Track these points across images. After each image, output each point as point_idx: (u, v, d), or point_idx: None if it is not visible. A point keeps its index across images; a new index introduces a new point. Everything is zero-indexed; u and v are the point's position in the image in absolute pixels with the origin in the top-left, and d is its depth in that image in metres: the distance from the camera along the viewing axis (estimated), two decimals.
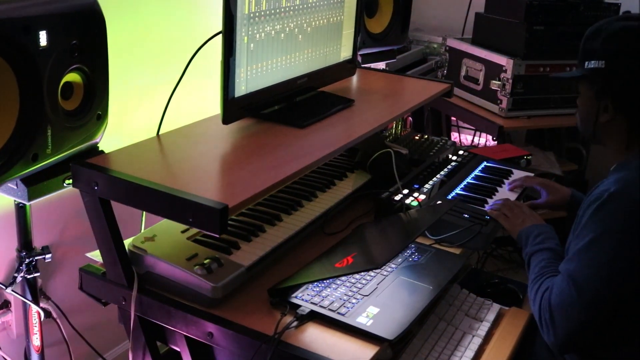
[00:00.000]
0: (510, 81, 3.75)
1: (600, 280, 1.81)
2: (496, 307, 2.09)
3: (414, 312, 1.86)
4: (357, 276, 2.00)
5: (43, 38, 1.72)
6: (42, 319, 2.26)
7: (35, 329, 2.26)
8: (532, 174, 2.89)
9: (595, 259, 1.83)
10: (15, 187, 1.90)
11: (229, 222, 1.69)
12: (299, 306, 1.85)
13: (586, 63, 2.04)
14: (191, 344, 1.94)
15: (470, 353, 1.86)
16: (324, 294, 1.90)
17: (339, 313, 1.82)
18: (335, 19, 2.57)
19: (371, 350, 1.73)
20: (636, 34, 1.97)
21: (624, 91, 1.99)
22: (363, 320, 1.80)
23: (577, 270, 1.84)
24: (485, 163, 2.99)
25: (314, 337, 1.77)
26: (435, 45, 4.64)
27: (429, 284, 2.01)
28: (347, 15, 2.65)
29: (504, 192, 2.67)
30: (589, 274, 1.82)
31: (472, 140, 4.65)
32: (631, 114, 2.00)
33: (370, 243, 2.19)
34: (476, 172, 2.88)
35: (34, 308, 2.23)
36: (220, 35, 2.00)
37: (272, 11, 2.17)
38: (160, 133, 2.17)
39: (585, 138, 2.10)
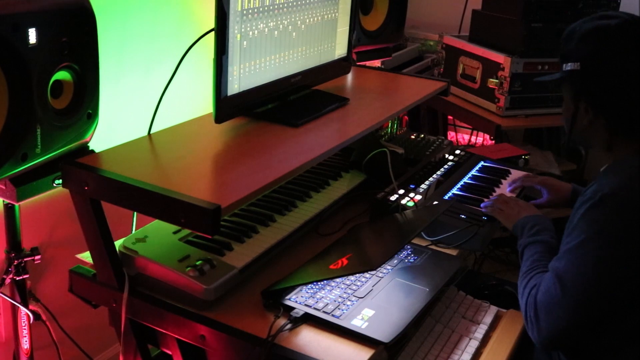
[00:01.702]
0: (508, 79, 3.76)
1: (587, 281, 1.82)
2: (493, 309, 2.10)
3: (410, 314, 1.87)
4: (352, 278, 2.01)
5: (32, 35, 1.72)
6: (31, 322, 2.26)
7: (25, 332, 2.26)
8: (530, 173, 2.90)
9: (584, 259, 1.84)
10: (3, 187, 1.90)
11: (222, 222, 1.70)
12: (292, 308, 1.85)
13: (564, 65, 2.04)
14: (183, 346, 1.95)
15: (467, 356, 1.87)
16: (318, 296, 1.91)
17: (333, 315, 1.82)
18: (329, 16, 2.57)
19: (366, 353, 1.73)
20: (609, 33, 1.96)
21: (600, 92, 1.99)
22: (358, 323, 1.80)
23: (565, 269, 1.85)
24: (482, 163, 3.00)
25: (308, 339, 1.77)
26: (431, 43, 4.65)
27: (425, 285, 2.01)
28: (341, 12, 2.65)
29: (503, 192, 2.67)
30: (576, 274, 1.83)
31: (469, 140, 4.66)
32: (609, 115, 2.00)
33: (366, 244, 2.19)
34: (473, 172, 2.88)
35: (22, 310, 2.23)
36: (213, 32, 2.00)
37: (266, 8, 2.17)
38: (151, 132, 2.17)
39: (570, 141, 2.10)
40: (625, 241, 1.82)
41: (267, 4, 2.17)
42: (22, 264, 2.20)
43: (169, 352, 2.01)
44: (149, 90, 2.72)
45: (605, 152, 2.05)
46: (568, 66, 2.02)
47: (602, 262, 1.82)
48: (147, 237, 2.04)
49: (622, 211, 1.84)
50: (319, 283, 1.97)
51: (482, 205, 2.46)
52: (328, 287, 1.96)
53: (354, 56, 3.15)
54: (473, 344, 1.91)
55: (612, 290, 1.83)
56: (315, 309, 1.85)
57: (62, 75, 1.89)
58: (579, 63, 1.99)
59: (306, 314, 1.84)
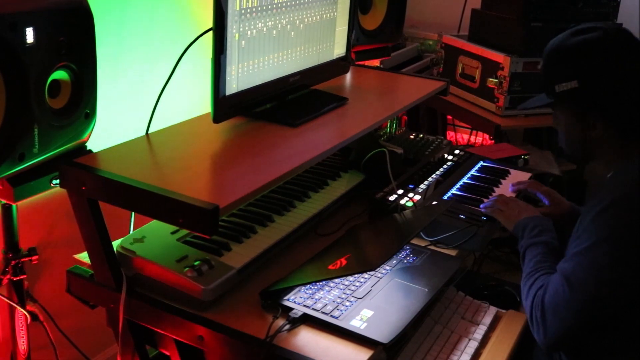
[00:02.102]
0: (508, 79, 3.76)
1: (596, 283, 1.82)
2: (493, 310, 2.10)
3: (409, 315, 1.87)
4: (350, 278, 2.01)
5: (30, 35, 1.72)
6: (28, 322, 2.26)
7: (22, 333, 2.26)
8: (530, 174, 2.90)
9: (593, 262, 1.83)
10: (1, 187, 1.90)
11: (220, 223, 1.70)
12: (291, 309, 1.85)
13: (556, 87, 2.02)
14: (181, 347, 1.95)
15: (466, 357, 1.87)
16: (316, 297, 1.91)
17: (332, 316, 1.83)
18: (328, 15, 2.57)
19: (365, 354, 1.73)
20: (598, 44, 1.97)
21: (606, 104, 1.98)
22: (357, 324, 1.80)
23: (574, 271, 1.85)
24: (481, 163, 3.00)
25: (307, 340, 1.78)
26: (430, 42, 4.65)
27: (424, 286, 2.01)
28: (340, 11, 2.65)
29: (503, 192, 2.67)
30: (585, 276, 1.83)
31: (469, 140, 4.66)
32: (621, 123, 2.00)
33: (365, 244, 2.19)
34: (472, 172, 2.88)
35: (20, 311, 2.23)
36: (211, 32, 2.00)
37: (264, 7, 2.17)
38: (149, 132, 2.17)
39: (576, 158, 2.09)
40: (635, 245, 1.81)
41: (266, 3, 2.18)
42: (20, 265, 2.20)
43: (167, 353, 2.01)
44: (146, 90, 2.71)
45: (613, 162, 2.04)
46: (563, 86, 2.01)
47: (611, 265, 1.82)
48: (145, 237, 2.04)
49: (633, 215, 1.84)
50: (317, 283, 1.97)
51: (481, 205, 2.46)
52: (327, 288, 1.96)
53: (353, 55, 3.15)
54: (472, 345, 1.91)
55: (621, 293, 1.83)
56: (314, 309, 1.85)
57: (59, 74, 1.89)
58: (575, 81, 1.98)
59: (305, 315, 1.84)
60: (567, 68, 2.01)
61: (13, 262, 2.18)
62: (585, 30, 2.01)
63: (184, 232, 2.07)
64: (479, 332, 1.97)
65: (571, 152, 2.16)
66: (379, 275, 2.05)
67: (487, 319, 2.04)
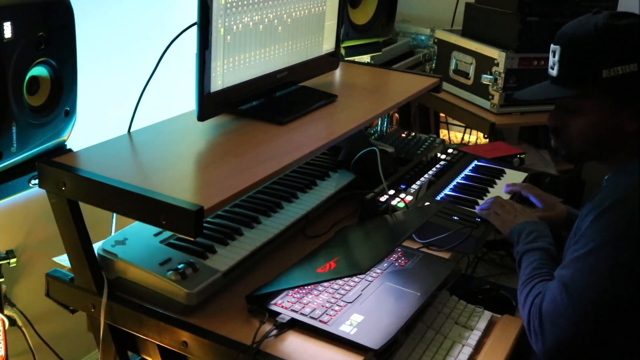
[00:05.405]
0: (503, 75, 3.77)
1: (596, 290, 1.81)
2: (487, 314, 2.10)
3: (400, 320, 1.87)
4: (340, 282, 2.01)
5: (7, 29, 1.72)
6: (6, 327, 2.26)
7: None
8: (526, 174, 2.91)
9: (593, 268, 1.82)
10: None
11: (205, 224, 1.70)
12: (278, 314, 1.86)
13: (605, 71, 1.91)
14: (164, 353, 1.95)
15: None
16: (305, 301, 1.91)
17: (320, 321, 1.83)
18: (317, 9, 2.57)
19: None
20: None
21: None
22: (346, 329, 1.80)
23: (573, 278, 1.84)
24: (475, 162, 3.00)
25: (295, 346, 1.78)
26: (423, 37, 4.65)
27: (416, 290, 2.02)
28: (329, 5, 2.65)
29: (497, 193, 2.68)
30: (584, 283, 1.82)
31: (462, 138, 4.68)
32: None
33: (354, 247, 2.20)
34: (466, 171, 2.89)
35: None
36: (195, 26, 2.00)
37: (250, 1, 2.17)
38: (131, 130, 2.17)
39: (588, 157, 1.98)
40: (635, 249, 1.81)
41: None
42: None
43: (150, 359, 2.01)
44: (128, 87, 2.71)
45: (623, 161, 2.00)
46: (617, 70, 1.90)
47: (611, 271, 1.81)
48: (126, 239, 2.04)
49: (632, 218, 1.82)
50: (305, 287, 1.97)
51: (477, 208, 2.46)
52: (315, 292, 1.96)
53: (342, 51, 3.15)
54: (466, 351, 1.92)
55: (621, 300, 1.82)
56: (302, 314, 1.85)
57: (38, 71, 1.88)
58: (636, 63, 1.89)
59: (292, 320, 1.84)
60: (626, 50, 1.91)
61: None
62: (622, 15, 1.95)
63: (168, 234, 2.07)
64: (473, 338, 1.98)
65: (586, 151, 2.07)
66: (370, 278, 2.06)
67: (482, 324, 2.05)
